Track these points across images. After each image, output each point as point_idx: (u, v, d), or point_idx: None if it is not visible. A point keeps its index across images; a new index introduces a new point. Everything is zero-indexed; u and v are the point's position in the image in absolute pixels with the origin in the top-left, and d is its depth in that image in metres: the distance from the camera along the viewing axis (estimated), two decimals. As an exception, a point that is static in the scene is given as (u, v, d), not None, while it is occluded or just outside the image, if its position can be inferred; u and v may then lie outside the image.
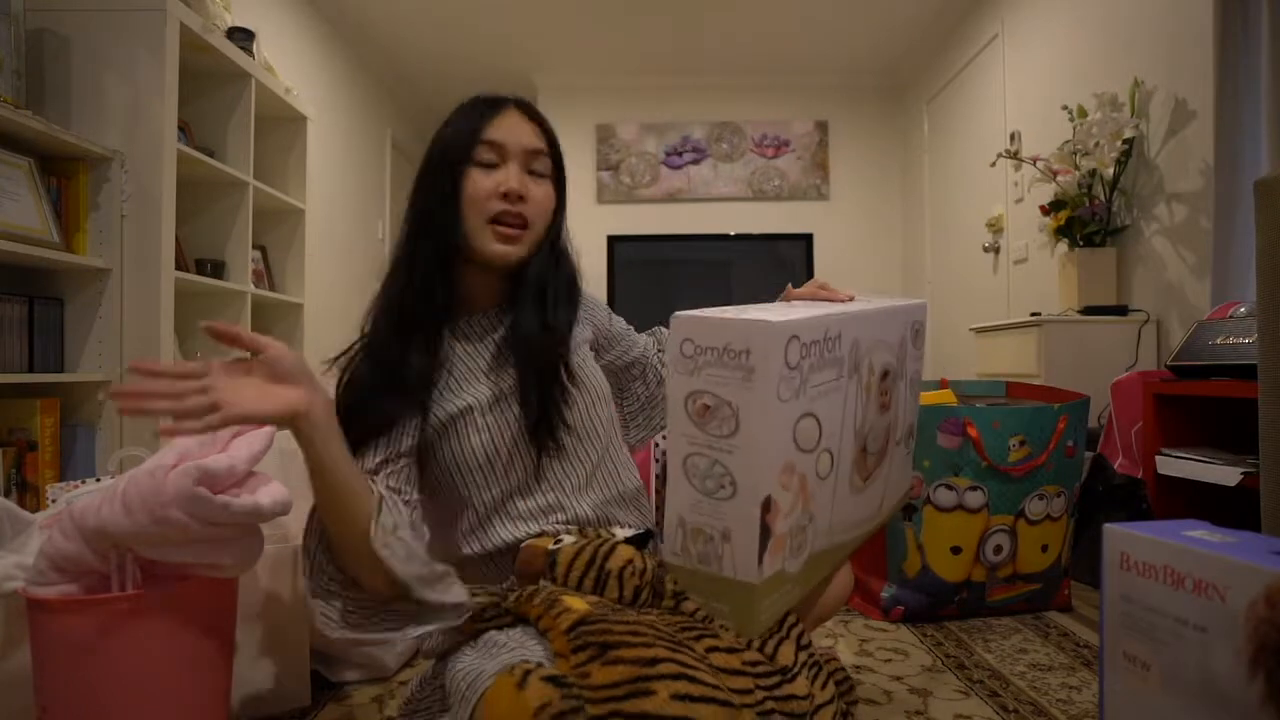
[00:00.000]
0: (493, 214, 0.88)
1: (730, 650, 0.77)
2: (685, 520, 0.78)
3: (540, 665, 0.68)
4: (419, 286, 0.89)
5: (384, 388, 0.86)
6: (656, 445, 2.21)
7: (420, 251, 0.89)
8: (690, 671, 0.68)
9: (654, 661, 0.67)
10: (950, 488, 1.50)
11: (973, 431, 1.49)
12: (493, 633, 0.81)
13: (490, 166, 0.89)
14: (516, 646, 0.76)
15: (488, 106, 0.91)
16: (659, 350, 1.16)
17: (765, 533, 0.75)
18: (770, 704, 0.74)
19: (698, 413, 0.75)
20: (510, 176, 0.89)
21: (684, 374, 0.76)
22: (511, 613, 0.82)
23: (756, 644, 0.81)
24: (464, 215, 0.88)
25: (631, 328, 1.15)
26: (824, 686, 0.81)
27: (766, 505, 0.74)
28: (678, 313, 0.76)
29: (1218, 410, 1.68)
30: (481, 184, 0.88)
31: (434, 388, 0.89)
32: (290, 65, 3.23)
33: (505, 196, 0.88)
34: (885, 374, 1.00)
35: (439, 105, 1.02)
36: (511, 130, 0.90)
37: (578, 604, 0.76)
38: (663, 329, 1.18)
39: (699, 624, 0.80)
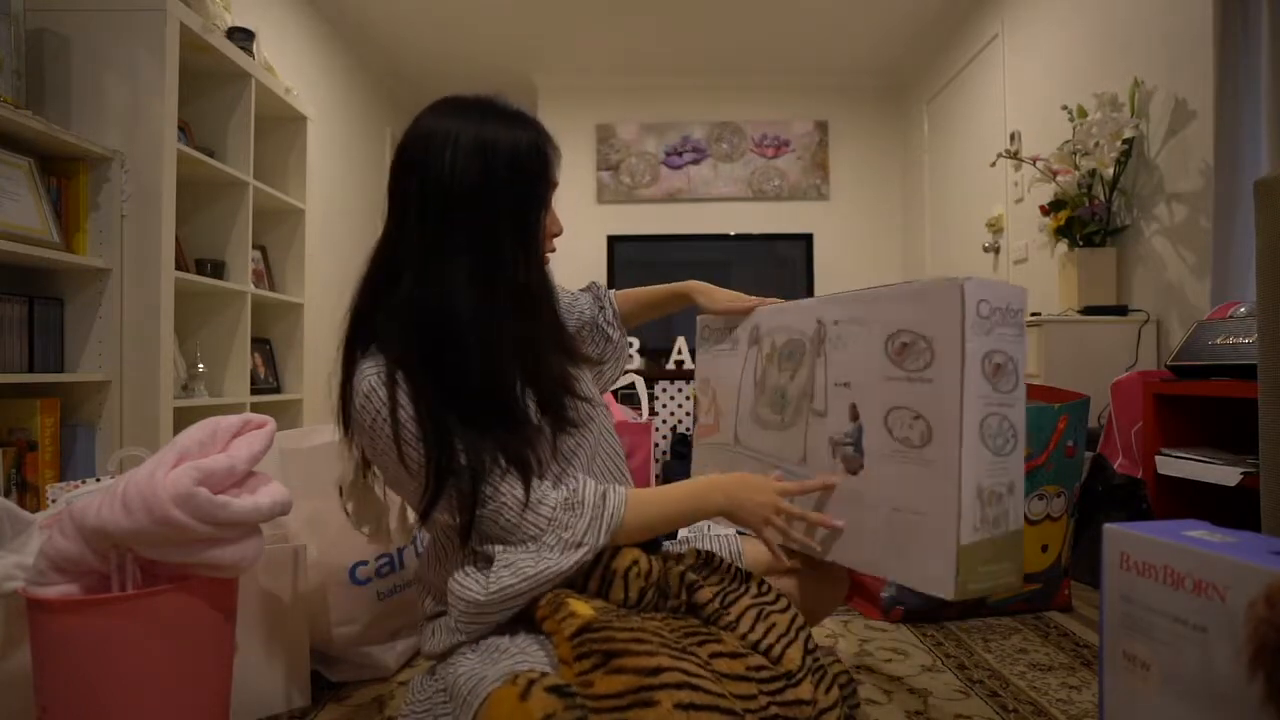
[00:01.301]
0: (544, 250, 0.93)
1: (734, 655, 0.77)
2: (983, 487, 0.80)
3: (544, 674, 0.67)
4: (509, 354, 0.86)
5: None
6: (657, 446, 2.21)
7: (502, 311, 0.85)
8: (693, 680, 0.68)
9: (657, 671, 0.67)
10: (950, 488, 1.50)
11: (973, 431, 1.49)
12: (494, 637, 0.81)
13: (547, 209, 0.91)
14: (518, 652, 0.76)
15: (546, 145, 0.89)
16: (601, 309, 1.14)
17: None
18: (775, 709, 0.74)
19: (993, 372, 0.79)
20: (556, 218, 0.94)
21: (980, 335, 0.79)
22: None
23: (769, 643, 0.81)
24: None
25: (575, 292, 1.14)
26: (828, 690, 0.81)
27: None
28: (970, 278, 0.79)
29: (1218, 410, 1.68)
30: (545, 225, 0.91)
31: None
32: (290, 65, 3.23)
33: (554, 236, 0.94)
34: None
35: (439, 105, 0.96)
36: (557, 168, 0.92)
37: (582, 609, 0.75)
38: (599, 284, 1.18)
39: (704, 630, 0.80)
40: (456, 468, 0.79)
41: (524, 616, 0.81)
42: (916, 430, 0.82)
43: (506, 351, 0.85)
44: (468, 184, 0.82)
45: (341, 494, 0.95)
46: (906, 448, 0.83)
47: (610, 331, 1.14)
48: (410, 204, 0.85)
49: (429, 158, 0.83)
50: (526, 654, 0.76)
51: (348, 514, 0.96)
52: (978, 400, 0.77)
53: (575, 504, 0.83)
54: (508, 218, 0.85)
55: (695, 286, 1.16)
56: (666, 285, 1.18)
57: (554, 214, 0.93)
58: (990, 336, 0.78)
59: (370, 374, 0.82)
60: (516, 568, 0.79)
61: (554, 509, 0.82)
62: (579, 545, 0.81)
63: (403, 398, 0.80)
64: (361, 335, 0.86)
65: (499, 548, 0.81)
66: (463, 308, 0.82)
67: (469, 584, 0.80)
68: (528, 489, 0.81)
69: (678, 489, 0.91)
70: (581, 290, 1.17)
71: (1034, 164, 2.59)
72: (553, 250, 0.95)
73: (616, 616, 0.76)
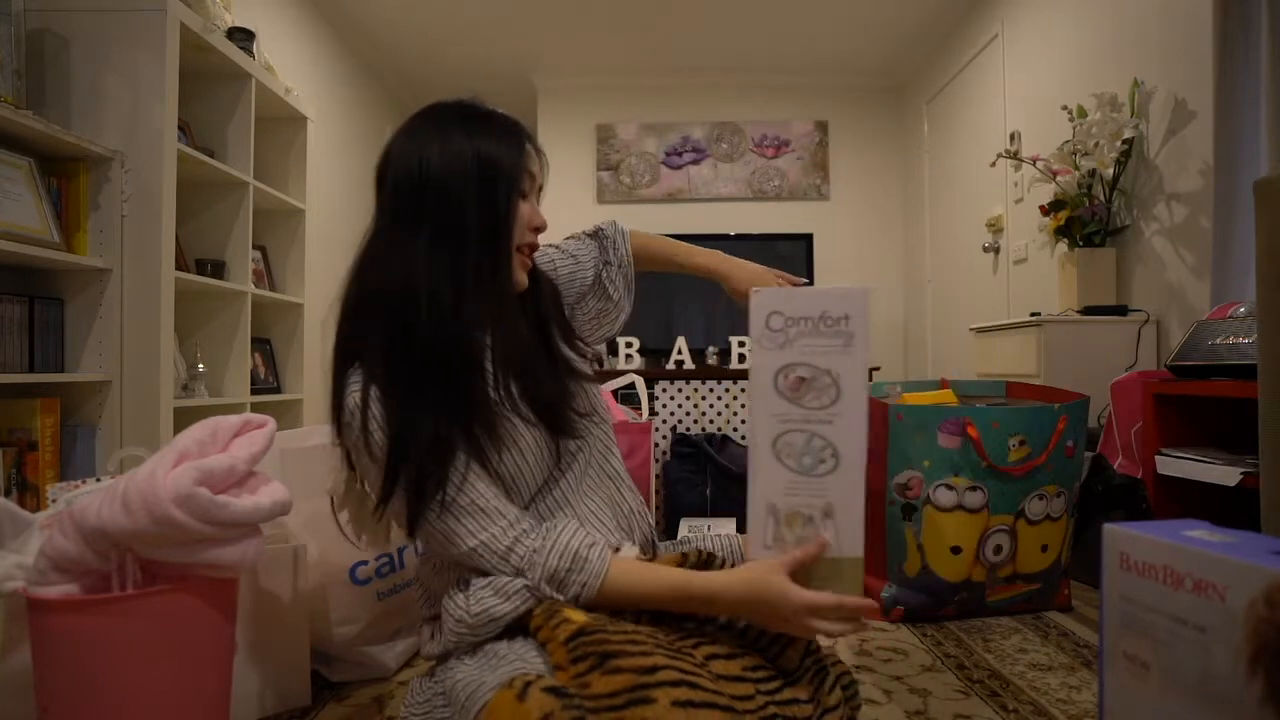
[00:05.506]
0: (523, 243, 0.90)
1: (730, 657, 0.77)
2: (778, 506, 0.76)
3: (540, 677, 0.67)
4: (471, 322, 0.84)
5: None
6: (657, 446, 2.21)
7: (473, 290, 0.84)
8: (690, 678, 0.68)
9: (653, 669, 0.67)
10: (950, 488, 1.50)
11: (972, 432, 1.49)
12: (492, 643, 0.81)
13: (523, 197, 0.89)
14: (516, 658, 0.76)
15: (522, 135, 0.89)
16: (605, 263, 1.08)
17: (866, 502, 0.75)
18: (773, 708, 0.74)
19: (791, 387, 0.75)
20: (538, 211, 0.91)
21: (773, 348, 0.76)
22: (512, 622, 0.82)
23: (765, 642, 0.80)
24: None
25: (576, 248, 1.08)
26: (831, 691, 0.81)
27: (864, 473, 0.75)
28: (758, 289, 0.78)
29: (1218, 410, 1.68)
30: (521, 214, 0.88)
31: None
32: (290, 65, 3.23)
33: (536, 230, 0.90)
34: None
35: (439, 106, 0.96)
36: (535, 163, 0.90)
37: (577, 615, 0.75)
38: (604, 229, 1.10)
39: (697, 633, 0.80)
40: (414, 511, 0.80)
41: (522, 624, 0.81)
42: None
43: (474, 343, 0.84)
44: (434, 181, 0.83)
45: (334, 504, 0.94)
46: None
47: (611, 290, 1.08)
48: (384, 208, 0.86)
49: (401, 162, 0.85)
50: (525, 660, 0.76)
51: (340, 526, 0.93)
52: (769, 417, 0.76)
53: (550, 551, 0.81)
54: (472, 210, 0.84)
55: (724, 271, 1.07)
56: (696, 260, 1.09)
57: (534, 207, 0.91)
58: (787, 350, 0.75)
59: (354, 390, 0.82)
60: (495, 588, 0.80)
61: (523, 558, 0.81)
62: (543, 597, 0.80)
63: (376, 419, 0.80)
64: (349, 344, 0.85)
65: (475, 578, 0.82)
66: (423, 296, 0.81)
67: (458, 600, 0.82)
68: (501, 532, 0.81)
69: (691, 587, 0.79)
70: (588, 237, 1.10)
71: (1034, 164, 2.59)
72: (535, 247, 0.92)
73: (610, 622, 0.76)
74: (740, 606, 0.77)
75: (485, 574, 0.82)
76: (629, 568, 0.81)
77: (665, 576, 0.80)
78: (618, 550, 0.86)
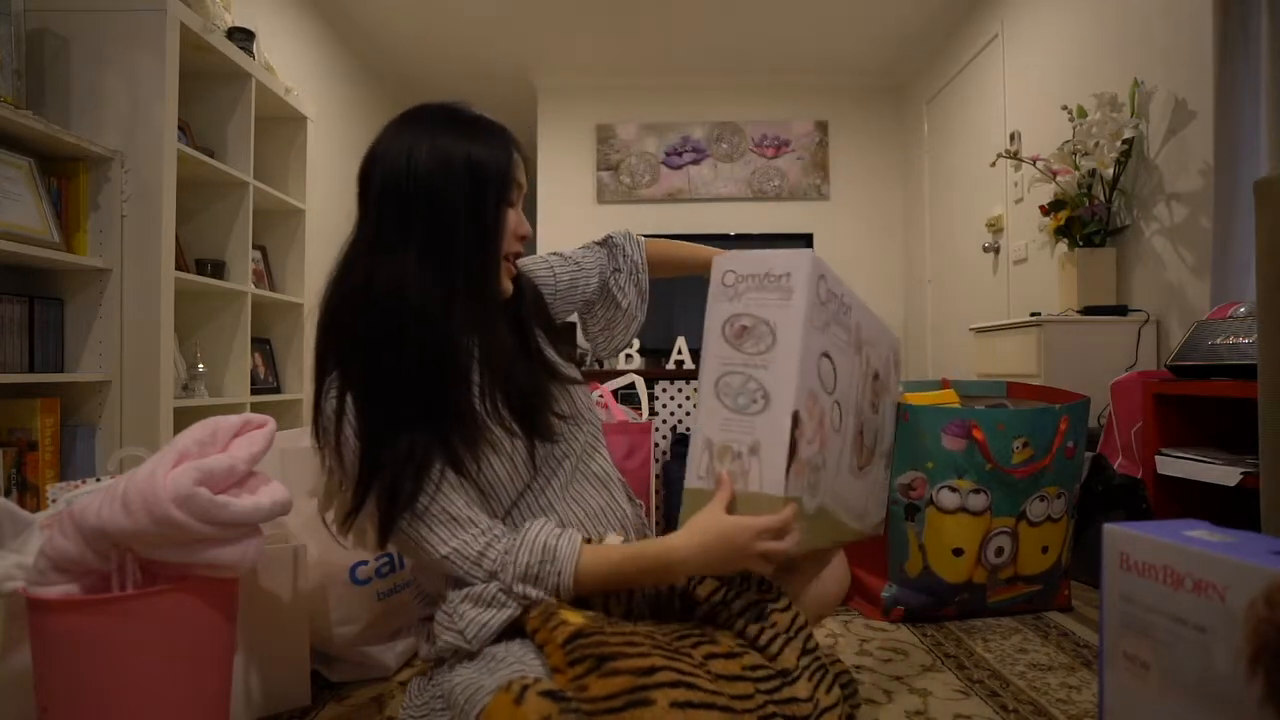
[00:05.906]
0: (510, 252, 0.90)
1: (729, 655, 0.77)
2: (713, 441, 0.82)
3: (538, 680, 0.67)
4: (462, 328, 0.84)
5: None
6: (657, 446, 2.21)
7: (461, 295, 0.84)
8: (688, 678, 0.68)
9: (651, 670, 0.67)
10: (954, 490, 1.50)
11: (978, 434, 1.49)
12: (490, 645, 0.81)
13: (511, 205, 0.89)
14: (515, 661, 0.76)
15: (510, 143, 0.89)
16: (615, 270, 1.09)
17: (793, 448, 0.79)
18: (772, 708, 0.74)
19: (735, 334, 0.83)
20: (524, 219, 0.91)
21: (724, 301, 0.84)
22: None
23: (766, 639, 0.80)
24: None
25: (582, 256, 1.09)
26: (829, 690, 0.81)
27: (795, 420, 0.80)
28: (722, 253, 0.88)
29: (1218, 410, 1.68)
30: (509, 223, 0.89)
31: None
32: (290, 65, 3.23)
33: (521, 239, 0.91)
34: (875, 376, 1.01)
35: (439, 106, 0.97)
36: (522, 171, 0.90)
37: (574, 617, 0.75)
38: (613, 237, 1.11)
39: (696, 632, 0.80)
40: (385, 519, 0.80)
41: (518, 628, 0.81)
42: None
43: (460, 349, 0.84)
44: (423, 186, 0.83)
45: (319, 505, 0.94)
46: None
47: (620, 298, 1.08)
48: (369, 209, 0.87)
49: (387, 165, 0.86)
50: (523, 664, 0.76)
51: (326, 524, 0.92)
52: (715, 360, 0.83)
53: (520, 549, 0.81)
54: (463, 216, 0.83)
55: None
56: (703, 258, 1.08)
57: (520, 216, 0.91)
58: (735, 302, 0.83)
59: (332, 396, 0.82)
60: (471, 598, 0.80)
61: (495, 561, 0.80)
62: (522, 598, 0.80)
63: (352, 426, 0.80)
64: (329, 348, 0.85)
65: (450, 591, 0.82)
66: (410, 299, 0.81)
67: (446, 611, 0.82)
68: (472, 539, 0.81)
69: (648, 550, 0.81)
70: (597, 245, 1.10)
71: (1034, 164, 2.60)
72: (520, 254, 0.93)
73: (608, 623, 0.76)
74: (699, 554, 0.79)
75: (460, 582, 0.81)
76: (596, 552, 0.81)
77: (623, 549, 0.82)
78: (602, 540, 0.86)
